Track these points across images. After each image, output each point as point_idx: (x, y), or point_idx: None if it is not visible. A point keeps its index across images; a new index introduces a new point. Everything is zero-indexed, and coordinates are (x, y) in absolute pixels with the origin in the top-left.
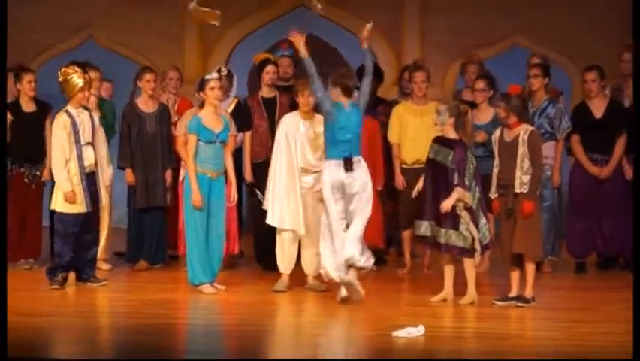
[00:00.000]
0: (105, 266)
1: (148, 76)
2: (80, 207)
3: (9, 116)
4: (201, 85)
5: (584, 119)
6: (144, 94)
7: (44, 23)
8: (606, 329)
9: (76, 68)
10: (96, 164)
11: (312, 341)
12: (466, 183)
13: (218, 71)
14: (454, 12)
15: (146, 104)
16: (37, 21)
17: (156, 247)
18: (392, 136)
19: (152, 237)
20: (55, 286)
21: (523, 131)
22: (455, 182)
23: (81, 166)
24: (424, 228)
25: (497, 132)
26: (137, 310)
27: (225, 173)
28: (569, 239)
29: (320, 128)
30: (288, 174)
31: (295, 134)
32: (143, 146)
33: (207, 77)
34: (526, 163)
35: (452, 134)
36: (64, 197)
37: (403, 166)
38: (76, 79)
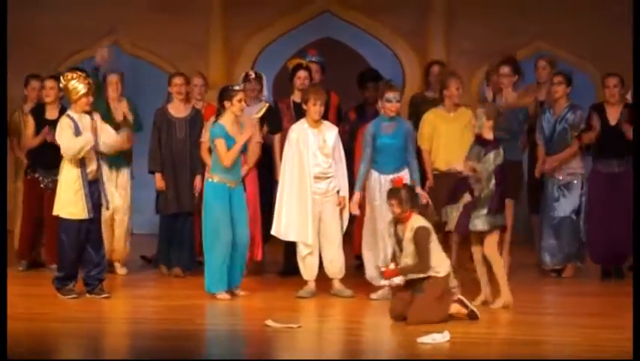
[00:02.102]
0: (121, 270)
1: (176, 80)
2: (82, 213)
3: (32, 120)
4: (228, 94)
5: (600, 123)
6: (175, 99)
7: (70, 29)
8: (631, 335)
9: (79, 73)
10: (98, 170)
11: (335, 347)
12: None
13: (247, 76)
14: (478, 18)
15: (176, 109)
16: (62, 27)
17: (188, 254)
18: (423, 142)
19: (183, 243)
20: (73, 296)
21: (410, 228)
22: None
23: (83, 172)
24: (482, 223)
25: (391, 230)
26: (163, 316)
27: (243, 181)
28: (591, 246)
29: (327, 135)
30: (300, 182)
31: (306, 142)
32: (172, 151)
33: (237, 87)
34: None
35: (489, 135)
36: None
37: (435, 172)
38: (78, 84)
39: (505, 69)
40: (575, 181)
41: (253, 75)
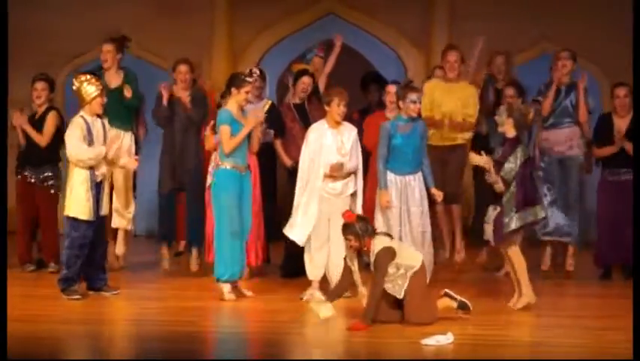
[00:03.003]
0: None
1: (181, 67)
2: (89, 214)
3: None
4: (238, 82)
5: (606, 133)
6: (179, 86)
7: (74, 31)
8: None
9: (90, 76)
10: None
11: (339, 348)
12: (502, 173)
13: (250, 72)
14: (482, 19)
15: (179, 91)
16: (66, 29)
17: (195, 229)
18: (423, 110)
19: (190, 218)
20: (77, 297)
21: (372, 254)
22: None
23: (92, 174)
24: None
25: (355, 264)
26: (165, 317)
27: (249, 167)
28: (598, 249)
29: (346, 136)
30: (314, 182)
31: (323, 143)
32: (174, 129)
33: (249, 79)
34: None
35: (510, 133)
36: (110, 144)
37: (432, 144)
38: (90, 86)
39: (510, 91)
40: (575, 155)
41: (257, 72)
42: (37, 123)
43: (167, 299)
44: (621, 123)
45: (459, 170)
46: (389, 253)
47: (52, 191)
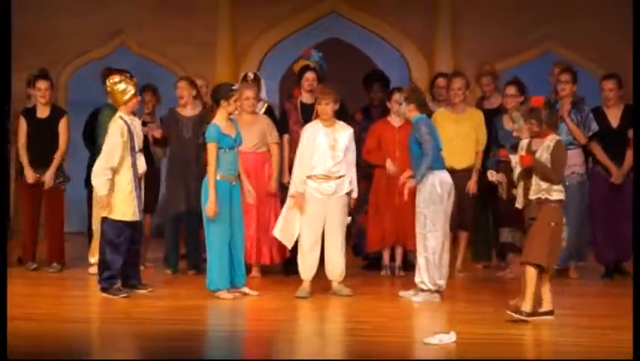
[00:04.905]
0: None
1: (180, 84)
2: (133, 215)
3: (24, 121)
4: (227, 93)
5: (601, 126)
6: (180, 102)
7: (77, 31)
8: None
9: (124, 74)
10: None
11: (339, 348)
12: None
13: (245, 77)
14: (486, 19)
15: (185, 110)
16: (69, 28)
17: (196, 253)
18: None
19: (191, 242)
20: (124, 295)
21: (550, 139)
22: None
23: (135, 174)
24: (505, 234)
25: (524, 142)
26: (165, 316)
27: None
28: (595, 247)
29: (340, 135)
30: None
31: (317, 142)
32: (181, 150)
33: (234, 87)
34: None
35: (526, 136)
36: (100, 201)
37: None
38: (127, 85)
39: (511, 90)
40: (576, 181)
41: (252, 76)
42: (44, 123)
43: (166, 298)
44: (611, 115)
45: (471, 197)
46: (565, 150)
47: (62, 187)
